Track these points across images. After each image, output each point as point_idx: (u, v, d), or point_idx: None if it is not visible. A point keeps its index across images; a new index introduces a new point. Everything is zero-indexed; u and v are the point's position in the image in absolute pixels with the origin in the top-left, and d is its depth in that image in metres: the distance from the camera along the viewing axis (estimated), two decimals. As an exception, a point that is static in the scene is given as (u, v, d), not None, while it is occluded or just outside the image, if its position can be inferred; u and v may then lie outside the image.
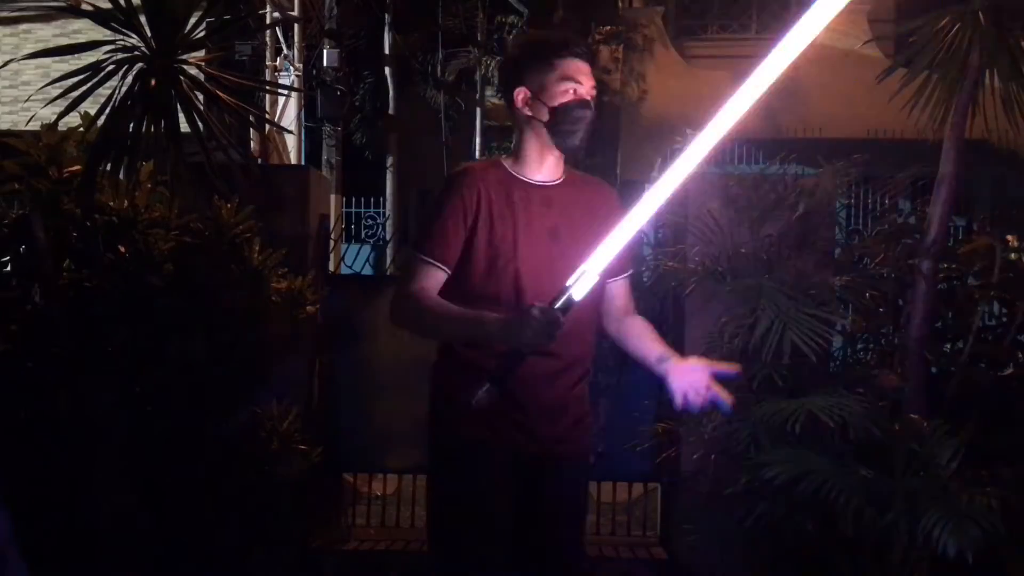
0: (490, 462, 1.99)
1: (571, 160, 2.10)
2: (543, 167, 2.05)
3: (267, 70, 10.69)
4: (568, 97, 1.97)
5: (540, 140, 2.03)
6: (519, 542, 2.00)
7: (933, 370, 2.69)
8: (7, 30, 9.58)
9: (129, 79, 2.38)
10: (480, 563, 1.98)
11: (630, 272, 2.16)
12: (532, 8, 10.20)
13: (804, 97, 11.11)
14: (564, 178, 2.07)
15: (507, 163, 2.06)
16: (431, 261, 1.97)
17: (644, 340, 2.08)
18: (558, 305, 1.77)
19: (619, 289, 2.12)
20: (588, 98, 2.00)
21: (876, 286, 2.81)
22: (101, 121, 2.43)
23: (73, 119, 2.54)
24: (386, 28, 10.90)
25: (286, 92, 9.87)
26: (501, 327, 1.83)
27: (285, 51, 10.81)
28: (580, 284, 1.80)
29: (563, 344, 1.86)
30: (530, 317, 1.76)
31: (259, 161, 9.38)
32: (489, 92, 10.60)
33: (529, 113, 2.01)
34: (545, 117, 1.99)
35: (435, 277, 1.97)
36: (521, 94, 2.01)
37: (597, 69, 11.02)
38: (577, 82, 1.98)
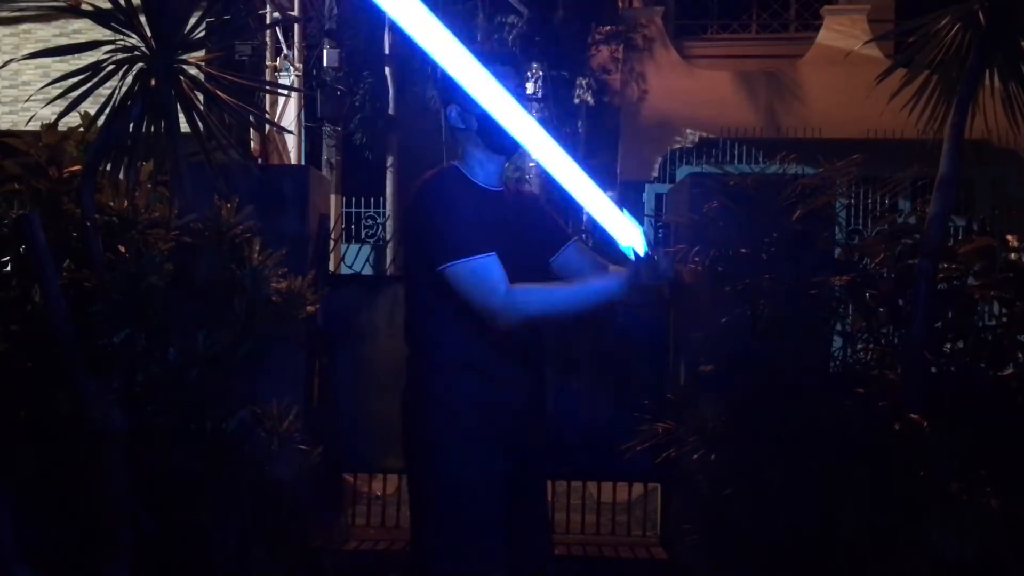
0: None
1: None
2: (492, 174, 2.15)
3: (267, 70, 10.70)
4: None
5: (479, 148, 2.12)
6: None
7: (933, 370, 2.68)
8: (7, 30, 9.59)
9: (129, 79, 2.38)
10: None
11: (573, 239, 2.30)
12: (532, 8, 10.20)
13: (804, 97, 11.12)
14: (505, 186, 2.20)
15: (464, 171, 2.14)
16: (486, 256, 1.99)
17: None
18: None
19: (572, 254, 2.26)
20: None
21: (876, 286, 2.81)
22: (101, 121, 2.43)
23: (73, 119, 2.54)
24: (386, 28, 10.89)
25: (286, 92, 9.89)
26: (626, 285, 2.02)
27: (285, 51, 10.82)
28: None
29: None
30: (636, 268, 2.00)
31: (259, 161, 9.39)
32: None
33: (463, 126, 2.11)
34: (476, 125, 2.08)
35: (501, 267, 2.01)
36: (453, 111, 2.11)
37: (595, 69, 11.01)
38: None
